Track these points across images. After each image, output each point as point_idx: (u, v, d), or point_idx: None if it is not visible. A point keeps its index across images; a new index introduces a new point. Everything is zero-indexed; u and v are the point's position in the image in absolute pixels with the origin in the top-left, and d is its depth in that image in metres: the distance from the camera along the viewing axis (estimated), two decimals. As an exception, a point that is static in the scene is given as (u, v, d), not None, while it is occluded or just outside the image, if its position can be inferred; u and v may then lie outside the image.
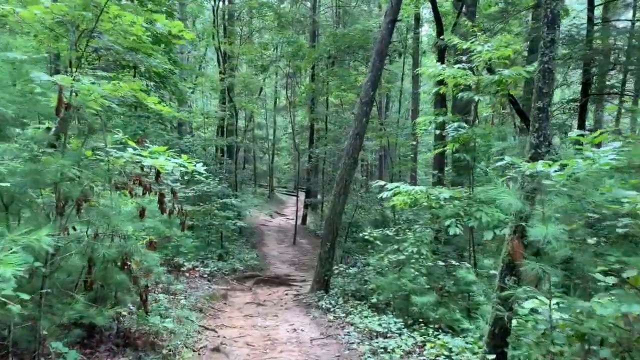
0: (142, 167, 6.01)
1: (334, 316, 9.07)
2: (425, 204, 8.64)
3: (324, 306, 9.77)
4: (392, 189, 8.41)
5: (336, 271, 11.21)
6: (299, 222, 25.99)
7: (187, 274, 11.44)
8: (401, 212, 16.24)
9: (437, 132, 11.41)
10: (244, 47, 20.16)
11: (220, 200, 13.66)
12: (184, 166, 5.86)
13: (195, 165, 5.87)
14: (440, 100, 19.29)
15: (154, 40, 23.71)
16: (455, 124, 8.62)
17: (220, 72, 20.05)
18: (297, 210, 21.33)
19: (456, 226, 7.64)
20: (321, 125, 26.59)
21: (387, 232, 8.75)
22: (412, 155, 25.77)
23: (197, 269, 11.82)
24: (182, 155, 5.74)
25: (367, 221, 23.12)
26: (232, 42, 19.93)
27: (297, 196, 21.34)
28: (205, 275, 11.76)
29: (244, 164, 32.69)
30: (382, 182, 8.73)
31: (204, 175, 6.52)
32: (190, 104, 29.51)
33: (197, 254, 12.75)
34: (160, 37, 24.19)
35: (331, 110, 24.99)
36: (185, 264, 11.55)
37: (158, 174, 6.07)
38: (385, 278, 8.41)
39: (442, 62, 19.28)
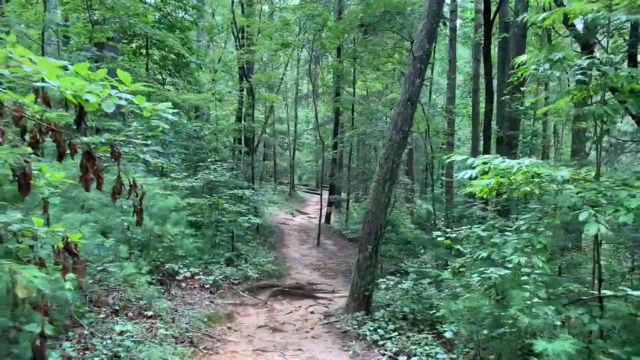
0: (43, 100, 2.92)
1: (385, 354, 5.91)
2: (525, 188, 5.41)
3: (367, 336, 6.60)
4: (478, 165, 5.23)
5: (382, 285, 8.02)
6: (323, 220, 22.87)
7: (184, 285, 8.39)
8: (453, 207, 12.99)
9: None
10: (263, 22, 17.10)
11: (230, 191, 10.58)
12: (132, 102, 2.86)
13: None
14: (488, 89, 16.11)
15: (169, 26, 20.80)
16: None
17: (236, 48, 17.03)
18: (320, 208, 18.19)
19: (597, 222, 4.41)
20: (346, 117, 23.45)
21: (476, 230, 5.53)
22: (442, 147, 22.46)
23: (197, 277, 8.75)
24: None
25: (401, 219, 19.95)
26: (250, 16, 16.88)
27: (320, 192, 18.14)
28: (207, 286, 8.68)
29: (264, 160, 29.72)
30: (459, 156, 5.53)
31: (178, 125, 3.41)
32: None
33: (200, 257, 9.70)
34: (174, 23, 21.30)
35: (358, 97, 21.79)
36: (182, 271, 8.49)
37: (81, 113, 3.02)
38: (468, 301, 5.19)
39: (489, 57, 15.98)
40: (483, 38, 16.43)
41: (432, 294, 7.09)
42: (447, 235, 5.92)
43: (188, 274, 8.62)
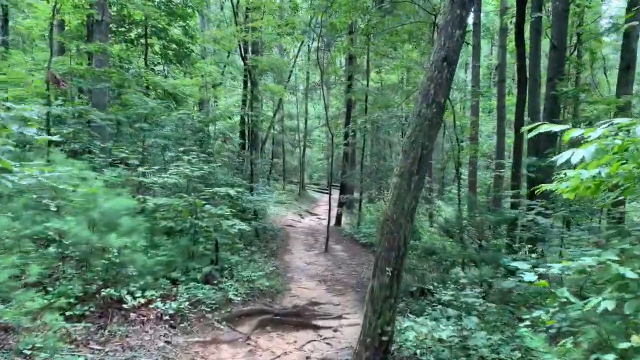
0: None
1: None
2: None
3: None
4: (595, 137, 2.69)
5: (405, 324, 5.45)
6: (332, 222, 20.34)
7: (133, 316, 5.94)
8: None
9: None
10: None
11: (210, 190, 8.11)
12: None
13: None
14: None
15: (169, 13, 18.49)
16: None
17: (235, 24, 14.57)
18: (329, 209, 15.65)
19: None
20: (359, 110, 20.89)
21: (585, 259, 3.05)
22: (462, 144, 19.75)
23: (154, 304, 6.30)
24: None
25: (420, 222, 17.33)
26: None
27: (329, 191, 15.62)
28: (167, 317, 6.22)
29: (272, 157, 27.30)
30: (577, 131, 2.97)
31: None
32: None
33: (166, 275, 7.26)
34: (175, 10, 18.97)
35: (372, 88, 19.20)
36: (129, 297, 6.03)
37: None
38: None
39: (522, 37, 13.36)
40: (515, 16, 13.83)
41: (482, 343, 4.55)
42: (535, 270, 3.34)
43: (143, 301, 6.17)
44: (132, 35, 18.68)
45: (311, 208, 25.14)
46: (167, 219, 7.93)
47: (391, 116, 11.80)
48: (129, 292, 6.14)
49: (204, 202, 8.18)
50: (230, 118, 11.57)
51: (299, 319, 7.53)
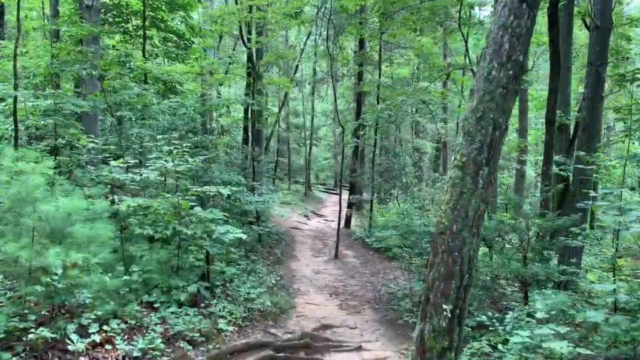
0: None
1: None
2: None
3: None
4: None
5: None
6: (341, 225, 18.56)
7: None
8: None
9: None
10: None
11: (198, 189, 6.35)
12: None
13: None
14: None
15: (169, 2, 16.80)
16: None
17: (236, 2, 12.78)
18: (340, 211, 13.87)
19: None
20: (369, 105, 19.11)
21: None
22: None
23: (113, 343, 4.55)
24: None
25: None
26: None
27: (339, 191, 13.88)
28: (131, 362, 4.49)
29: (277, 157, 25.54)
30: None
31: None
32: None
33: (140, 297, 5.52)
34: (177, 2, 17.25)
35: (384, 81, 17.39)
36: (74, 337, 4.27)
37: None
38: None
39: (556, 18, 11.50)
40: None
41: None
42: None
43: (98, 338, 4.42)
44: (130, 26, 17.07)
45: (318, 209, 23.38)
46: (144, 225, 6.18)
47: (413, 103, 9.89)
48: (79, 328, 4.39)
49: (191, 203, 6.42)
50: (228, 107, 9.74)
51: (308, 352, 5.75)
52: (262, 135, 20.39)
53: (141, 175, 6.42)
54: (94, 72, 10.36)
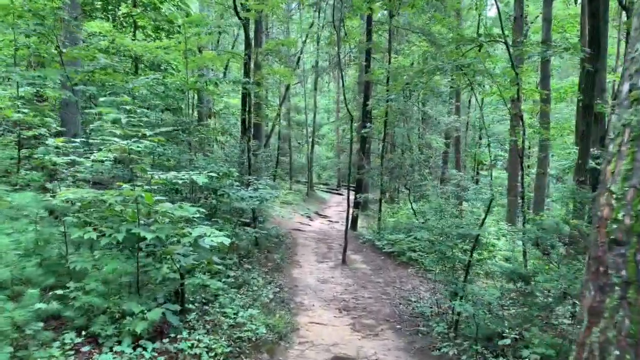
0: None
1: None
2: None
3: None
4: None
5: None
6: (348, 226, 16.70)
7: None
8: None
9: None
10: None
11: (163, 176, 4.48)
12: None
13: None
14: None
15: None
16: None
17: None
18: (348, 210, 11.98)
19: None
20: (379, 92, 17.25)
21: None
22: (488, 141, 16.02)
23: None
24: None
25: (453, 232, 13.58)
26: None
27: (347, 186, 12.02)
28: None
29: (278, 155, 23.68)
30: None
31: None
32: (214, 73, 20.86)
33: (81, 326, 3.67)
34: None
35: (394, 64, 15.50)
36: None
37: None
38: None
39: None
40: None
41: None
42: None
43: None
44: (120, 14, 15.31)
45: (321, 209, 21.52)
46: (88, 224, 4.33)
47: (444, 68, 7.93)
48: None
49: (157, 197, 4.57)
50: (217, 85, 7.85)
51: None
52: (262, 130, 18.55)
53: (89, 159, 4.56)
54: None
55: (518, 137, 7.70)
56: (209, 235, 4.29)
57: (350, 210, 12.81)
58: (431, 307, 7.65)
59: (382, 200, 15.60)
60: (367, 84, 15.63)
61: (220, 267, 5.36)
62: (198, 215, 4.45)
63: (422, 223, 11.45)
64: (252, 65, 10.95)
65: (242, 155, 13.40)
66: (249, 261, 9.61)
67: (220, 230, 4.59)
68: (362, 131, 13.09)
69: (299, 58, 21.18)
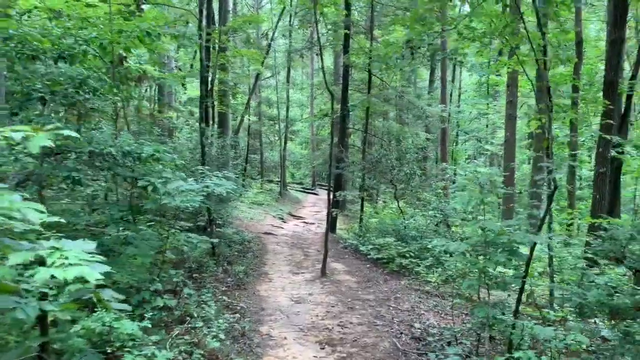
0: None
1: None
2: None
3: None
4: None
5: None
6: (324, 229, 14.39)
7: None
8: None
9: None
10: None
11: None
12: None
13: None
14: None
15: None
16: None
17: None
18: (329, 206, 9.62)
19: None
20: (358, 81, 15.04)
21: None
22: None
23: None
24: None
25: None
26: None
27: (328, 185, 9.79)
28: None
29: (248, 152, 21.16)
30: None
31: None
32: (175, 63, 18.26)
33: None
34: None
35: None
36: None
37: None
38: None
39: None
40: None
41: None
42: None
43: None
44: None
45: (295, 210, 19.16)
46: None
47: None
48: None
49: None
50: (157, 38, 5.46)
51: None
52: (228, 121, 16.08)
53: None
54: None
55: (544, 118, 5.56)
56: (53, 264, 1.91)
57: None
58: (446, 335, 5.45)
59: (364, 199, 13.38)
60: (345, 69, 13.40)
61: (123, 304, 2.95)
62: (45, 216, 2.07)
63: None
64: (204, 31, 8.54)
65: (220, 151, 11.01)
66: (201, 277, 7.20)
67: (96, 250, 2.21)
68: (341, 114, 10.81)
69: (269, 45, 18.79)
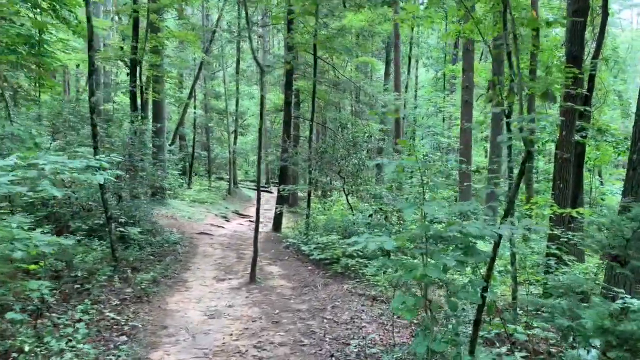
0: None
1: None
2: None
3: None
4: None
5: None
6: (269, 228, 12.92)
7: None
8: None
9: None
10: None
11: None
12: None
13: None
14: None
15: None
16: None
17: None
18: (258, 203, 8.13)
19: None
20: (304, 65, 13.63)
21: None
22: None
23: None
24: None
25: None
26: None
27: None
28: None
29: (193, 147, 19.35)
30: None
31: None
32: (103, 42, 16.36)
33: None
34: None
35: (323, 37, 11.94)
36: None
37: None
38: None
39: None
40: None
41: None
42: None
43: None
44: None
45: (243, 209, 17.58)
46: None
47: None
48: None
49: None
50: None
51: None
52: (163, 110, 14.31)
53: None
54: None
55: (511, 98, 4.31)
56: None
57: (270, 208, 9.12)
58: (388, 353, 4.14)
59: (312, 194, 12.02)
60: (289, 50, 12.00)
61: None
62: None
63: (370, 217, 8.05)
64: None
65: (133, 138, 9.34)
66: (87, 290, 5.59)
67: None
68: (285, 100, 9.37)
69: (213, 32, 17.14)
